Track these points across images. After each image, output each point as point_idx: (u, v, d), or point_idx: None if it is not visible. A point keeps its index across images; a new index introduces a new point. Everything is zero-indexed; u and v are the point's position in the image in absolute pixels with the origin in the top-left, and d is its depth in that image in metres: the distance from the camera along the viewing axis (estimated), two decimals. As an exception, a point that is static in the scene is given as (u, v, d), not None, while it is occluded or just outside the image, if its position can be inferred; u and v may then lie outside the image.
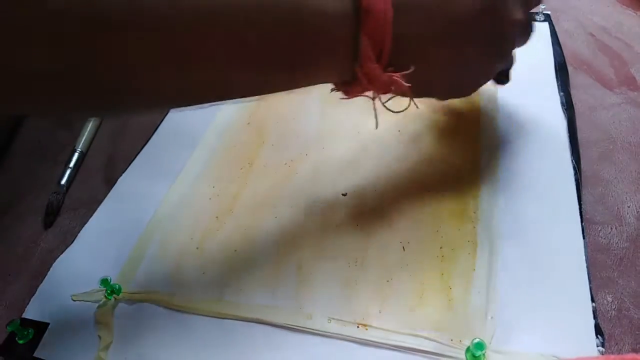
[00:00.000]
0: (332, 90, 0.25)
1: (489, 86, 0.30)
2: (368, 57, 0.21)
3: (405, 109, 0.25)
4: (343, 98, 0.24)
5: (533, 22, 0.28)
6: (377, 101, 0.24)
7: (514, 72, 0.38)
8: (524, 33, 0.28)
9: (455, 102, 0.35)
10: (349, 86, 0.23)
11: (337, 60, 0.22)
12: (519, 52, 0.38)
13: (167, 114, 0.38)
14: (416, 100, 0.25)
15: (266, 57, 0.21)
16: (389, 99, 0.25)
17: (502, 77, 0.31)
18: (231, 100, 0.38)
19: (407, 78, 0.22)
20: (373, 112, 0.35)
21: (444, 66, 0.24)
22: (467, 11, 0.23)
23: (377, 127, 0.25)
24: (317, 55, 0.22)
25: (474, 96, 0.35)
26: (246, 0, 0.19)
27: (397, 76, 0.22)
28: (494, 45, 0.25)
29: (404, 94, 0.24)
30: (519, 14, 0.25)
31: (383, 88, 0.23)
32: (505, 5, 0.24)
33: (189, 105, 0.24)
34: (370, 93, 0.24)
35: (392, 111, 0.25)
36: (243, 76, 0.21)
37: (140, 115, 0.38)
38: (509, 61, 0.29)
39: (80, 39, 0.17)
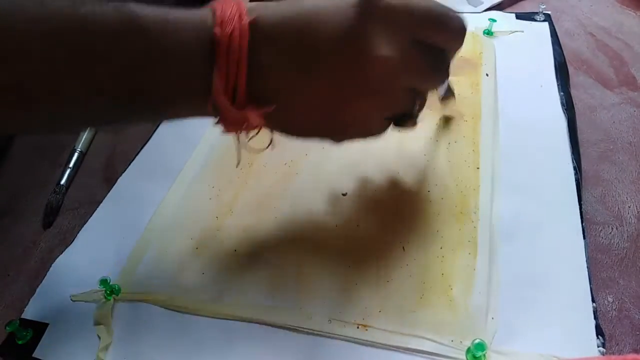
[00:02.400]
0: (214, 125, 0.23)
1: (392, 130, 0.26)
2: (219, 91, 0.20)
3: (266, 147, 0.23)
4: (224, 132, 0.22)
5: (442, 63, 0.24)
6: (241, 137, 0.23)
7: (513, 73, 0.38)
8: (423, 74, 0.23)
9: (455, 102, 0.35)
10: (218, 122, 0.22)
11: (193, 94, 0.21)
12: (520, 52, 0.39)
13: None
14: None
15: (119, 89, 0.20)
16: (253, 137, 0.23)
17: (403, 122, 0.26)
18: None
19: (272, 114, 0.21)
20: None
21: (313, 102, 0.22)
22: (327, 39, 0.21)
23: (237, 165, 0.25)
24: (173, 89, 0.21)
25: (474, 96, 0.35)
26: (95, 33, 0.19)
27: (252, 113, 0.21)
28: (365, 84, 0.22)
29: (274, 131, 0.23)
30: (388, 51, 0.21)
31: (235, 124, 0.21)
32: (368, 40, 0.21)
33: (52, 133, 0.24)
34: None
35: (254, 150, 0.23)
36: (98, 109, 0.21)
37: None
38: (405, 106, 0.24)
39: None
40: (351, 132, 0.25)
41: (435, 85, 0.26)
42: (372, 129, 0.25)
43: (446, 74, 0.25)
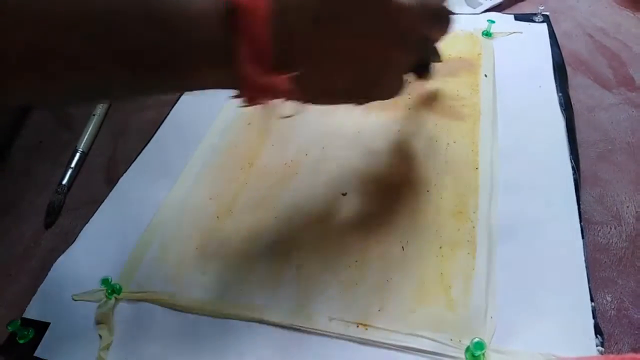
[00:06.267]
0: (231, 97, 0.22)
1: (411, 79, 0.27)
2: (243, 58, 0.19)
3: (291, 114, 0.23)
4: (242, 106, 0.22)
5: (449, 12, 0.25)
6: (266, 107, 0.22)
7: (514, 72, 0.38)
8: (433, 21, 0.25)
9: (455, 103, 0.35)
10: (239, 94, 0.21)
11: (213, 63, 0.20)
12: (518, 53, 0.39)
13: (167, 114, 0.38)
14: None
15: (137, 60, 0.19)
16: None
17: (421, 71, 0.28)
18: (232, 101, 0.38)
19: (299, 79, 0.20)
20: (370, 111, 0.35)
21: (340, 61, 0.22)
22: None
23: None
24: (192, 59, 0.20)
25: (473, 97, 0.35)
26: (111, 3, 0.18)
27: (280, 78, 0.20)
28: (388, 33, 0.22)
29: (299, 100, 0.22)
30: (409, 0, 0.22)
31: (265, 93, 0.21)
32: None
33: (73, 104, 0.22)
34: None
35: (287, 116, 0.23)
36: (116, 79, 0.20)
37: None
38: (424, 53, 0.27)
39: None
40: (377, 90, 0.25)
41: (445, 32, 0.26)
42: (395, 85, 0.25)
43: (451, 21, 0.26)
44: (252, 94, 0.21)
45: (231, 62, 0.20)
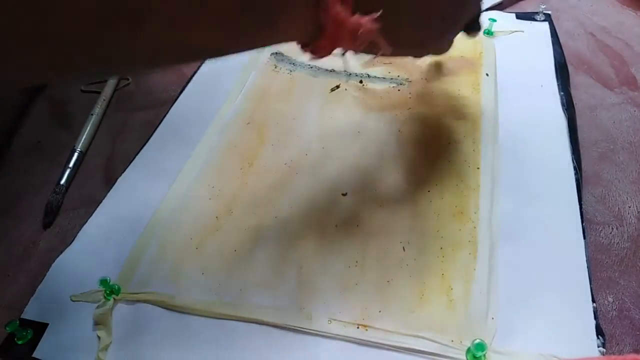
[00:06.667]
0: (302, 48, 0.22)
1: (463, 36, 0.29)
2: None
3: (375, 57, 0.24)
4: (313, 58, 0.22)
5: None
6: (348, 55, 0.23)
7: (515, 71, 0.38)
8: None
9: (456, 102, 0.35)
10: (315, 42, 0.21)
11: (298, 7, 0.20)
12: (520, 52, 0.39)
13: (166, 114, 0.38)
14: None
15: (221, 9, 0.19)
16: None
17: (472, 26, 0.29)
18: (231, 100, 0.38)
19: (385, 25, 0.21)
20: (370, 111, 0.35)
21: (410, 6, 0.23)
22: None
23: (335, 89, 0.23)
24: (277, 4, 0.20)
25: (474, 96, 0.35)
26: None
27: (365, 19, 0.20)
28: None
29: (376, 45, 0.22)
30: None
31: (351, 36, 0.21)
32: None
33: (152, 67, 0.21)
34: (340, 50, 0.22)
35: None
36: (198, 30, 0.19)
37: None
38: (475, 7, 0.28)
39: None
40: (439, 43, 0.27)
41: None
42: (450, 41, 0.27)
43: None
44: (336, 38, 0.21)
45: (316, 5, 0.20)
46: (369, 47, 0.22)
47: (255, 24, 0.20)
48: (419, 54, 0.27)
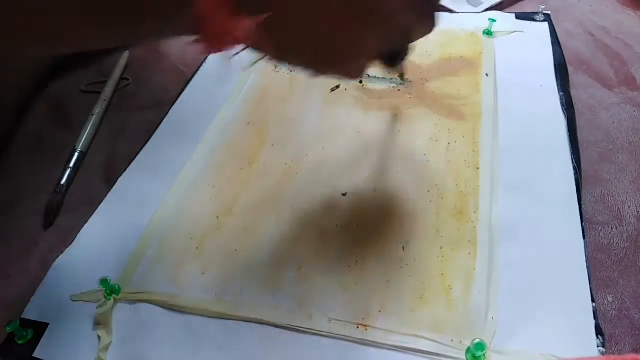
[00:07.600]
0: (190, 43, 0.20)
1: (378, 66, 0.26)
2: None
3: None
4: (201, 54, 0.21)
5: (434, 14, 0.23)
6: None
7: (515, 71, 0.38)
8: (416, 19, 0.23)
9: (456, 102, 0.35)
10: (199, 38, 0.19)
11: (169, 2, 0.18)
12: (520, 52, 0.39)
13: (166, 114, 0.38)
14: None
15: (90, 3, 0.17)
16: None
17: (390, 61, 0.26)
18: (231, 100, 0.38)
19: (270, 30, 0.18)
20: (370, 111, 0.35)
21: (307, 18, 0.20)
22: None
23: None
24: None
25: (474, 96, 0.35)
26: None
27: (244, 22, 0.18)
28: (373, 9, 0.21)
29: (263, 50, 0.21)
30: None
31: (226, 38, 0.19)
32: None
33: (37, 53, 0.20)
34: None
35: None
36: (70, 24, 0.18)
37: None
38: (395, 44, 0.25)
39: None
40: (338, 61, 0.23)
41: (429, 30, 0.24)
42: (355, 65, 0.23)
43: (435, 24, 0.24)
44: (212, 39, 0.19)
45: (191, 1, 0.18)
46: (258, 48, 0.20)
47: (126, 20, 0.19)
48: (317, 72, 0.23)
